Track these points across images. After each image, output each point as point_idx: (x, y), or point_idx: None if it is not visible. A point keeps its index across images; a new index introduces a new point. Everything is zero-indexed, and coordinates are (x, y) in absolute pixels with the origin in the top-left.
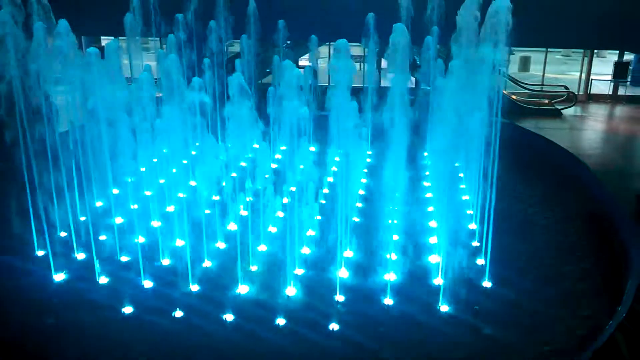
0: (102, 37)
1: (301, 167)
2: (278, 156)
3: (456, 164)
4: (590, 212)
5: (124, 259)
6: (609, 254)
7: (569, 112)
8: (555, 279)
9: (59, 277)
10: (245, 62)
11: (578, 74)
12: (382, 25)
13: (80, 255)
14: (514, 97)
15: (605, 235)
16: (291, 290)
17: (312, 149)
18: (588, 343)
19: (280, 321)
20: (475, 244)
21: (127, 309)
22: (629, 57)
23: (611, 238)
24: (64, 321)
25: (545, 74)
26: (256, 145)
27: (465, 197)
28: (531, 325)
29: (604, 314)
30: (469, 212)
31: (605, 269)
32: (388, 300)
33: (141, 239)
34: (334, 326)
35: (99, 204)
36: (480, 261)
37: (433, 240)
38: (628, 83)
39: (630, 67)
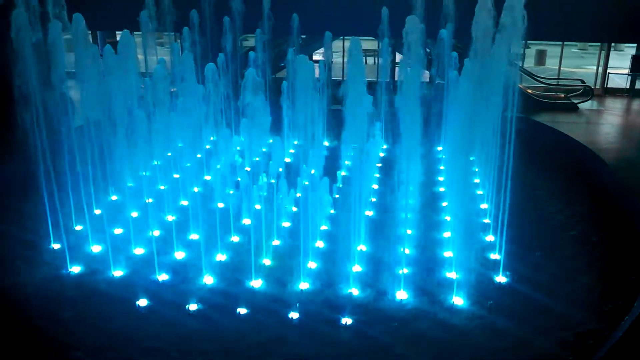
0: (117, 32)
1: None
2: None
3: (471, 158)
4: (607, 207)
5: (139, 251)
6: (625, 249)
7: (585, 106)
8: (571, 274)
9: (74, 269)
10: (259, 56)
11: (595, 67)
12: (396, 19)
13: (96, 248)
14: (529, 91)
15: (622, 230)
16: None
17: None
18: (603, 340)
19: (293, 314)
20: (490, 238)
21: (142, 302)
22: None
23: (628, 233)
24: (80, 313)
25: (562, 68)
26: None
27: (479, 192)
28: (546, 321)
29: (620, 310)
30: (484, 206)
31: (622, 265)
32: (401, 294)
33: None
34: (346, 320)
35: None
36: (494, 256)
37: (447, 234)
38: None
39: None
